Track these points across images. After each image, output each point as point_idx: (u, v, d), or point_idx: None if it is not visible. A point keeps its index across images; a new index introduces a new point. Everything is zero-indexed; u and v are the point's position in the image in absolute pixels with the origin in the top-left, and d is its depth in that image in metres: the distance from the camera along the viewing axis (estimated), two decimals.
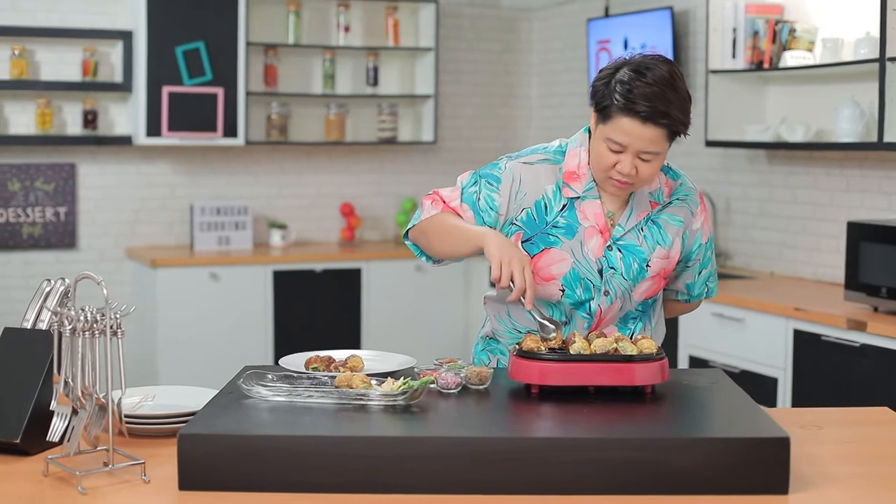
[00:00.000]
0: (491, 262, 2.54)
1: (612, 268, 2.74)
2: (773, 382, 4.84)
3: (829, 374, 4.56)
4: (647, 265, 2.76)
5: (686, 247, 2.83)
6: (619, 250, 2.75)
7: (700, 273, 2.91)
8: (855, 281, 4.60)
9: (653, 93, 2.54)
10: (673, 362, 5.37)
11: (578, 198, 2.74)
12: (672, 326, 5.39)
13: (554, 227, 2.74)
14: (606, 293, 2.75)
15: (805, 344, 4.68)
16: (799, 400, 4.70)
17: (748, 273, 5.89)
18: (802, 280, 5.59)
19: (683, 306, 3.02)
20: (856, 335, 4.42)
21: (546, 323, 2.54)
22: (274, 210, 7.28)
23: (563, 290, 2.74)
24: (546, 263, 2.74)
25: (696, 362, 5.28)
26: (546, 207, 2.75)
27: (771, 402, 4.82)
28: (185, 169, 7.04)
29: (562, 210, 2.74)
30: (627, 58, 2.65)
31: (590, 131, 2.77)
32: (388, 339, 6.69)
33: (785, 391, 4.79)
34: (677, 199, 2.82)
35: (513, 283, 2.51)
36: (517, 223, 2.76)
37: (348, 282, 6.85)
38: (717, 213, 6.15)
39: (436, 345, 6.72)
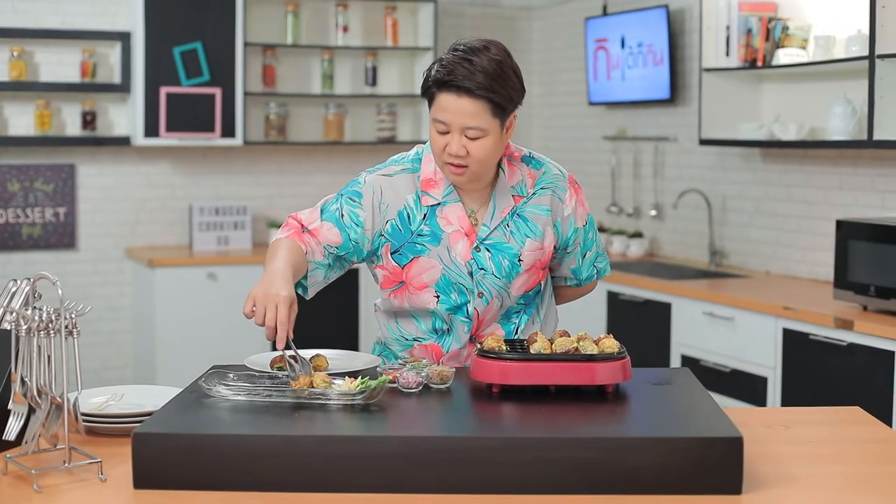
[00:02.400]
0: (246, 301, 2.49)
1: (482, 269, 2.73)
2: (763, 381, 4.83)
3: (817, 373, 4.55)
4: (519, 260, 2.75)
5: (561, 234, 2.81)
6: (488, 250, 2.74)
7: (584, 256, 2.89)
8: (844, 279, 4.59)
9: (471, 66, 2.53)
10: (664, 361, 5.36)
11: (439, 204, 2.73)
12: (664, 325, 5.39)
13: (419, 235, 2.73)
14: (481, 294, 2.74)
15: (794, 343, 4.67)
16: (788, 399, 4.69)
17: (743, 272, 5.88)
18: (797, 279, 5.57)
19: (575, 291, 2.99)
20: (843, 334, 4.41)
21: (292, 363, 2.46)
22: (273, 210, 7.30)
23: (437, 297, 2.74)
24: (417, 272, 2.74)
25: (687, 361, 5.27)
26: (409, 217, 2.73)
27: (761, 401, 4.82)
28: (184, 169, 7.06)
29: (424, 218, 2.73)
30: (454, 42, 2.64)
31: None
32: None
33: (775, 390, 4.77)
34: (541, 187, 2.79)
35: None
36: (385, 235, 2.75)
37: (347, 281, 6.82)
38: (713, 212, 6.14)
39: None
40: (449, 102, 2.56)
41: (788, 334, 4.69)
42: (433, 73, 2.58)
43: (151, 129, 6.61)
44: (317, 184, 7.40)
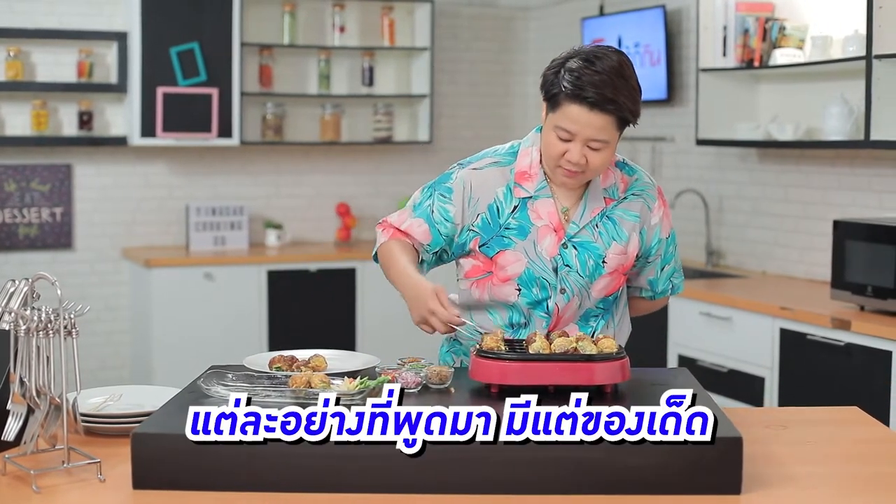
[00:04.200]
0: (413, 319, 2.67)
1: (567, 265, 2.75)
2: (760, 382, 4.83)
3: (814, 373, 4.55)
4: (604, 262, 2.77)
5: (645, 242, 2.83)
6: (575, 247, 2.75)
7: (663, 269, 2.91)
8: (841, 280, 4.59)
9: (601, 80, 2.56)
10: (661, 361, 5.37)
11: (531, 197, 2.75)
12: (661, 325, 5.39)
13: (507, 228, 2.75)
14: (563, 291, 2.75)
15: (791, 343, 4.67)
16: (786, 399, 4.69)
17: (741, 272, 5.88)
18: (794, 279, 5.58)
19: (648, 304, 3.01)
20: (840, 334, 4.41)
21: (479, 332, 2.64)
22: (270, 210, 7.30)
23: (519, 290, 2.75)
24: (501, 265, 2.75)
25: (684, 361, 5.27)
26: (499, 210, 2.76)
27: (758, 401, 4.82)
28: (180, 169, 7.05)
29: (513, 211, 2.75)
30: (576, 49, 2.66)
31: (542, 131, 2.78)
32: (382, 339, 6.70)
33: (772, 390, 4.78)
34: (633, 193, 2.82)
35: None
36: (474, 229, 2.78)
37: (343, 282, 6.86)
38: (710, 213, 6.14)
39: (431, 345, 6.66)
40: (580, 115, 2.58)
41: (785, 334, 4.69)
42: (564, 82, 2.58)
43: (148, 129, 6.60)
44: (313, 184, 7.40)
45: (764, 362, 4.82)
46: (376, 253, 2.87)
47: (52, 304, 2.21)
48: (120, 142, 6.74)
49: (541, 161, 2.76)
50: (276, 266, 6.72)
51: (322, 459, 2.10)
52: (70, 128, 6.73)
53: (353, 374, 2.52)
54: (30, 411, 2.19)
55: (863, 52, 4.73)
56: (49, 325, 2.14)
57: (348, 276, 6.85)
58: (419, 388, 2.47)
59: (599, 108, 2.56)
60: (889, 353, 4.19)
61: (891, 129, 4.60)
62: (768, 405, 4.76)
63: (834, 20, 5.17)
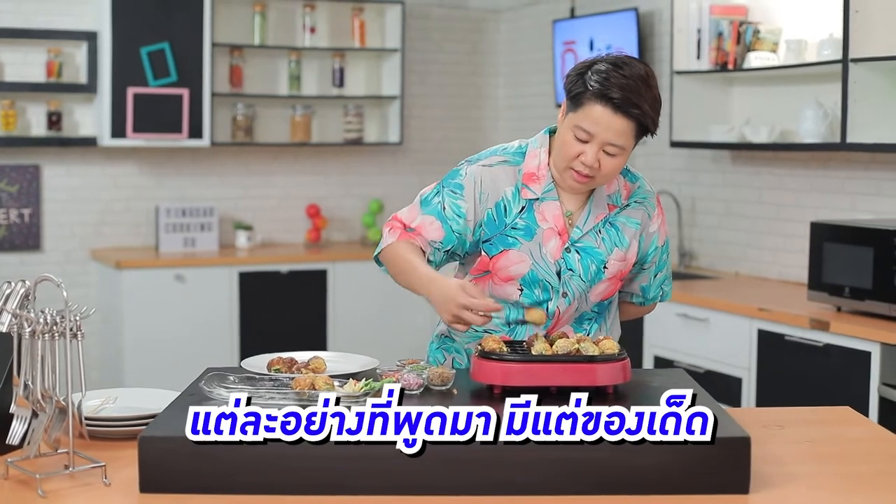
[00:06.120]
0: (444, 320, 2.59)
1: (570, 269, 2.75)
2: (737, 382, 4.87)
3: (792, 373, 4.59)
4: (605, 267, 2.78)
5: (642, 249, 2.85)
6: (578, 252, 2.76)
7: (655, 276, 2.93)
8: (818, 281, 4.63)
9: (628, 84, 2.57)
10: (637, 362, 5.39)
11: (537, 199, 2.75)
12: (637, 327, 5.41)
13: (513, 228, 2.75)
14: (565, 294, 2.76)
15: (769, 344, 4.70)
16: (763, 400, 4.72)
17: (713, 273, 5.92)
18: (767, 280, 5.62)
19: (638, 309, 3.04)
20: (819, 335, 4.44)
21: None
22: (239, 211, 7.26)
23: (521, 290, 2.75)
24: (505, 264, 2.75)
25: (660, 362, 5.30)
26: (506, 209, 2.76)
27: (735, 401, 4.85)
28: (150, 170, 7.00)
29: (521, 212, 2.75)
30: (605, 55, 2.67)
31: (551, 133, 2.78)
32: (354, 340, 6.69)
33: (749, 391, 4.81)
34: (635, 201, 2.84)
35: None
36: (482, 225, 2.77)
37: (314, 283, 6.84)
38: (682, 214, 6.18)
39: (402, 346, 6.69)
40: (602, 115, 2.58)
41: (763, 335, 4.72)
42: (591, 82, 2.58)
43: (118, 130, 6.55)
44: (283, 185, 7.37)
45: (741, 363, 4.85)
46: (379, 254, 2.82)
47: (40, 304, 2.19)
48: (89, 142, 6.68)
49: (549, 163, 2.76)
50: (248, 267, 6.69)
51: (330, 462, 2.09)
52: (39, 128, 6.67)
53: (355, 377, 2.50)
54: (33, 415, 2.16)
55: (838, 56, 4.78)
56: (55, 328, 2.12)
57: (319, 278, 6.83)
58: (421, 389, 2.47)
59: (623, 112, 2.57)
60: (868, 354, 4.23)
61: (867, 131, 4.64)
62: (746, 405, 4.79)
63: (808, 24, 5.21)
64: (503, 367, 2.45)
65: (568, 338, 2.55)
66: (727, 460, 2.12)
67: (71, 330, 2.13)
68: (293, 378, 2.42)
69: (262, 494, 2.09)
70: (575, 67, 2.68)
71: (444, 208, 2.76)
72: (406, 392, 2.44)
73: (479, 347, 2.51)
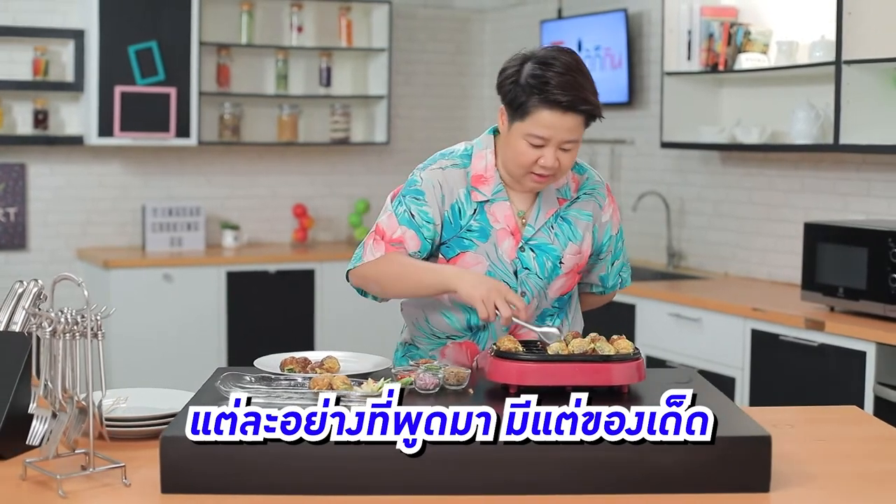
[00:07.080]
0: (473, 305, 2.53)
1: (526, 268, 2.76)
2: (730, 382, 4.88)
3: (787, 373, 4.61)
4: (560, 262, 2.78)
5: (597, 240, 2.86)
6: (532, 250, 2.76)
7: (613, 265, 2.94)
8: (812, 281, 4.65)
9: (566, 81, 2.56)
10: None
11: (488, 201, 2.75)
12: (629, 326, 5.42)
13: (468, 230, 2.75)
14: (523, 294, 2.76)
15: (763, 344, 4.72)
16: (756, 400, 4.74)
17: (702, 273, 5.94)
18: (757, 280, 5.64)
19: (599, 298, 3.04)
20: (814, 335, 4.47)
21: (547, 330, 2.56)
22: (226, 211, 7.24)
23: None
24: (462, 267, 2.73)
25: (652, 362, 5.30)
26: (460, 211, 2.75)
27: None
28: (136, 169, 6.97)
29: (473, 214, 2.75)
30: (527, 53, 2.65)
31: (495, 132, 2.78)
32: (340, 339, 6.67)
33: (743, 390, 4.83)
34: (584, 193, 2.84)
35: (498, 311, 2.52)
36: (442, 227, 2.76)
37: (301, 283, 6.83)
38: (672, 214, 6.20)
39: (389, 347, 6.66)
40: (552, 119, 2.58)
41: (757, 335, 4.74)
42: (531, 90, 2.57)
43: (105, 129, 6.52)
44: (270, 184, 7.35)
45: (734, 363, 4.87)
46: (359, 268, 2.74)
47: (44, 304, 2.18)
48: (76, 141, 6.65)
49: (496, 164, 2.76)
50: (235, 267, 6.67)
51: (356, 462, 2.09)
52: (25, 126, 6.62)
53: (372, 376, 2.50)
54: (53, 415, 2.15)
55: (830, 58, 4.80)
56: (75, 327, 2.11)
57: (307, 277, 6.81)
58: (437, 388, 2.46)
59: (573, 110, 2.57)
60: (863, 354, 4.25)
61: (859, 132, 4.67)
62: (739, 405, 4.80)
63: (799, 26, 5.24)
64: (519, 366, 2.45)
65: (580, 336, 2.55)
66: (748, 458, 2.13)
67: (92, 329, 2.12)
68: (310, 378, 2.42)
69: (286, 495, 2.08)
70: (504, 75, 2.65)
71: (413, 216, 2.73)
72: (422, 392, 2.45)
73: (495, 347, 2.51)
